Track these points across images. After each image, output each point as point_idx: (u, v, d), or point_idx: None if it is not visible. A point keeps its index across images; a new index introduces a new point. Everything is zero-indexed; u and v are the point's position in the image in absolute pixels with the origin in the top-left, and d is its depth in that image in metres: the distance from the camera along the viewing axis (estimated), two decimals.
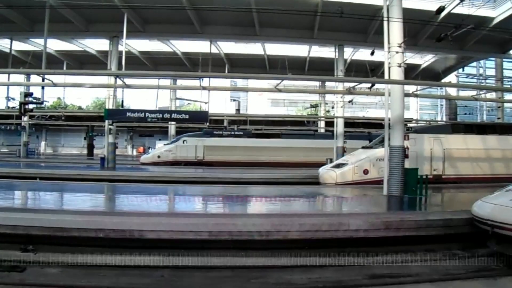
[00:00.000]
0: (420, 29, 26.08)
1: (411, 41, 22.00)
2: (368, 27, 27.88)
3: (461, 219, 10.50)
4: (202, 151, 35.65)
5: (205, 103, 31.66)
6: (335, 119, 32.38)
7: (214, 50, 32.83)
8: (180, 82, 42.44)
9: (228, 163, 33.59)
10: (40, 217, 9.77)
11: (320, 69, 36.35)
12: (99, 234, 9.46)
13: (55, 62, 36.08)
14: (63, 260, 8.70)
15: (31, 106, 24.74)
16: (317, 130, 43.24)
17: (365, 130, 42.17)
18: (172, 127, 43.48)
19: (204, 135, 37.21)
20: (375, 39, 23.63)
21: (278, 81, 19.65)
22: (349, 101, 31.83)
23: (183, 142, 35.88)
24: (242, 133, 38.52)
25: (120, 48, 27.61)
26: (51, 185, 19.05)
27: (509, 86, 39.19)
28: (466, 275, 8.33)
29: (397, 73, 15.77)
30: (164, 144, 39.48)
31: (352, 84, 23.76)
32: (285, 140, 36.66)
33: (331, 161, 26.49)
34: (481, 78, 53.06)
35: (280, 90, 20.50)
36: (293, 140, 36.58)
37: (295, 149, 35.52)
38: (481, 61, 54.75)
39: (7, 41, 30.42)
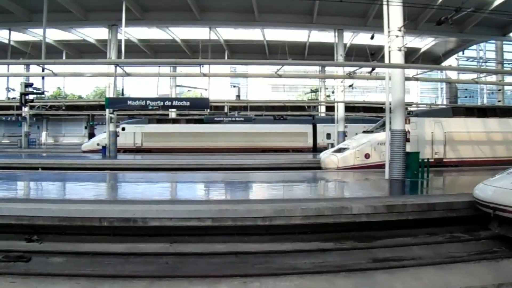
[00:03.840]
0: (420, 12, 25.85)
1: (411, 24, 21.85)
2: (367, 11, 27.69)
3: (463, 202, 10.56)
4: (140, 138, 35.55)
5: (205, 89, 31.60)
6: (335, 104, 32.29)
7: (214, 36, 32.64)
8: (180, 69, 42.28)
9: (167, 150, 33.71)
10: (44, 207, 9.83)
11: (320, 54, 36.28)
12: (103, 223, 9.54)
13: (54, 52, 35.84)
14: (68, 249, 8.75)
15: (31, 97, 24.68)
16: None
17: (366, 115, 42.06)
18: (173, 114, 43.38)
19: (142, 121, 37.10)
20: (375, 23, 23.53)
21: (278, 67, 19.61)
22: (350, 86, 31.71)
23: (122, 129, 35.19)
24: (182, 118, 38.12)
25: (119, 36, 27.45)
26: (54, 175, 19.13)
27: (509, 68, 39.04)
28: (468, 257, 8.35)
29: (397, 57, 15.69)
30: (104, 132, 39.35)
31: (352, 69, 23.63)
32: (223, 125, 36.00)
33: (332, 146, 26.57)
34: (481, 61, 52.80)
35: (280, 76, 20.43)
36: (231, 125, 36.09)
37: (233, 134, 35.46)
38: (481, 44, 54.35)
39: (6, 32, 30.26)
